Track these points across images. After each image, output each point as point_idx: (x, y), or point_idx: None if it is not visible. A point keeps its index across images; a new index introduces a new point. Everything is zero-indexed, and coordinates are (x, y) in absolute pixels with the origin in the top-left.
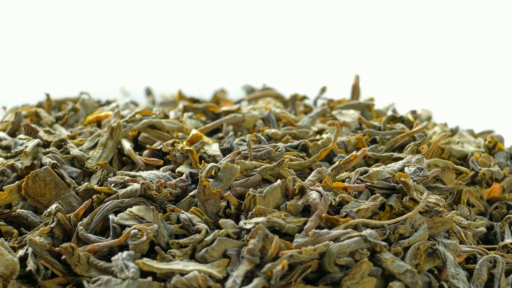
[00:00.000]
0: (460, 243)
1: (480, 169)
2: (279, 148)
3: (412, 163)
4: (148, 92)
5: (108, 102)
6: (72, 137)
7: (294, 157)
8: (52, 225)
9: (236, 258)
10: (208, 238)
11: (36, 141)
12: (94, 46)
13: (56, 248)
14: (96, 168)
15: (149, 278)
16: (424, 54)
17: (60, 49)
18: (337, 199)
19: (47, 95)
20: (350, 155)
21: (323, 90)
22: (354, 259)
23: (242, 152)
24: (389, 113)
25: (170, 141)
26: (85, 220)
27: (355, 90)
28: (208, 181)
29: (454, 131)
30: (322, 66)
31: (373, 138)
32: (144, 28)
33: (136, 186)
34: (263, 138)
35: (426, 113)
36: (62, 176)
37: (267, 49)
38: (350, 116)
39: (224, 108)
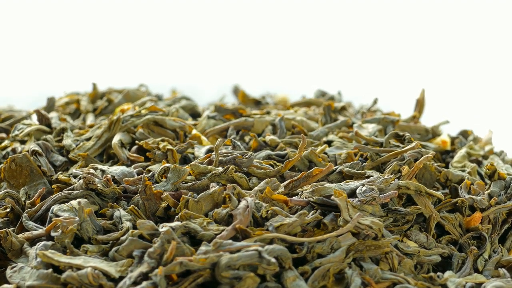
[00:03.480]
0: (391, 270)
1: (464, 196)
2: (247, 154)
3: (376, 182)
4: (235, 90)
5: (157, 96)
6: (91, 127)
7: (267, 166)
8: (8, 210)
9: (139, 259)
10: (124, 237)
11: (34, 127)
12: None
13: None
14: (78, 158)
15: (50, 270)
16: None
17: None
18: (270, 211)
19: (94, 84)
20: (313, 169)
21: (375, 101)
22: (257, 273)
23: (212, 156)
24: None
25: (159, 139)
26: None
27: (419, 104)
28: (159, 181)
29: (486, 155)
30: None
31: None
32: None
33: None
34: (238, 143)
35: (489, 134)
36: (40, 164)
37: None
38: (368, 130)
39: (253, 111)
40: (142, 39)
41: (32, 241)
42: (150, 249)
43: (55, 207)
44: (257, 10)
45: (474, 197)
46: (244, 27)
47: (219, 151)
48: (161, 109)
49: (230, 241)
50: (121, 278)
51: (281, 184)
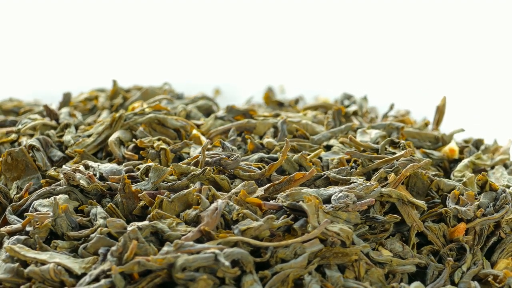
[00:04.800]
0: (356, 278)
1: (449, 206)
2: (233, 156)
3: (357, 189)
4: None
5: (177, 95)
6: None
7: (254, 168)
8: None
9: (104, 257)
10: (93, 234)
11: (38, 122)
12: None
13: None
14: (75, 154)
15: (17, 264)
16: None
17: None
18: (240, 214)
19: (114, 81)
20: (295, 173)
21: (391, 107)
22: (216, 275)
23: (199, 157)
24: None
25: (155, 138)
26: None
27: (438, 112)
28: (143, 179)
29: (494, 165)
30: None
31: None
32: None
33: None
34: (227, 145)
35: (508, 144)
36: (36, 158)
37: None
38: (371, 135)
39: (265, 113)
40: (189, 38)
41: (13, 235)
42: (113, 248)
43: (36, 202)
44: (305, 14)
45: (458, 207)
46: (291, 30)
47: (215, 151)
48: (165, 108)
49: (191, 242)
50: (85, 275)
51: (260, 188)
